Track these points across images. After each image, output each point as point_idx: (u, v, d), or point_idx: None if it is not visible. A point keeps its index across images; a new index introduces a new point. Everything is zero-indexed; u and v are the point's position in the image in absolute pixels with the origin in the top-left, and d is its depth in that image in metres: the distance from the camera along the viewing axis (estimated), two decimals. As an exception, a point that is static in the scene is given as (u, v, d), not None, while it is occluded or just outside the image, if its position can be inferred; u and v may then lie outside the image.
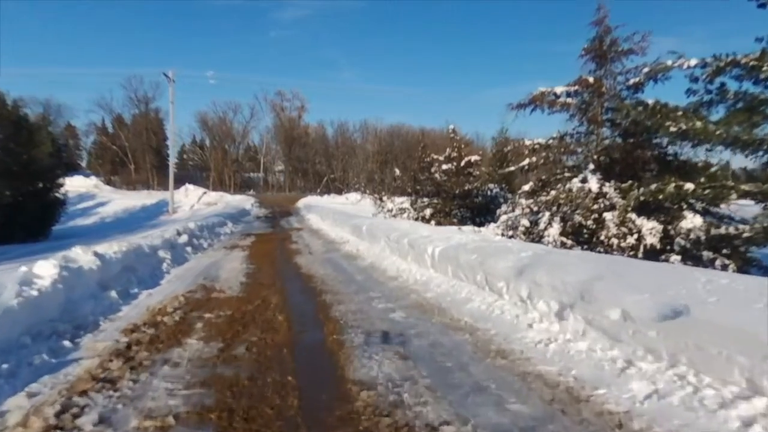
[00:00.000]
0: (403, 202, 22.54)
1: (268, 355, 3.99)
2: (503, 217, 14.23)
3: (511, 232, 12.64)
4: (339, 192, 60.85)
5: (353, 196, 42.17)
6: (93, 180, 53.63)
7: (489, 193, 21.26)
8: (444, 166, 21.63)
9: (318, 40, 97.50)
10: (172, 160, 35.81)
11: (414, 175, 23.17)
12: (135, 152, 56.77)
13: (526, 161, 13.97)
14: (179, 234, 11.01)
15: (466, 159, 21.80)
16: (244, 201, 37.25)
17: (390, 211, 22.02)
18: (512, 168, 14.53)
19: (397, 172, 23.07)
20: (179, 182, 59.69)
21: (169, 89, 35.18)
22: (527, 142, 12.99)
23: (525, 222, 12.13)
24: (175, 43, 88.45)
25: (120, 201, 39.19)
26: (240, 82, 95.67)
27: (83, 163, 64.39)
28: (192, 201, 38.92)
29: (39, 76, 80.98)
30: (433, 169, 21.82)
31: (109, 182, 56.14)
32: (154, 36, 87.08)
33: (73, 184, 51.93)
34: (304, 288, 6.99)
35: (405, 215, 21.37)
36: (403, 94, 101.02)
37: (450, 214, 20.90)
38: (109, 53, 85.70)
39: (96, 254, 6.17)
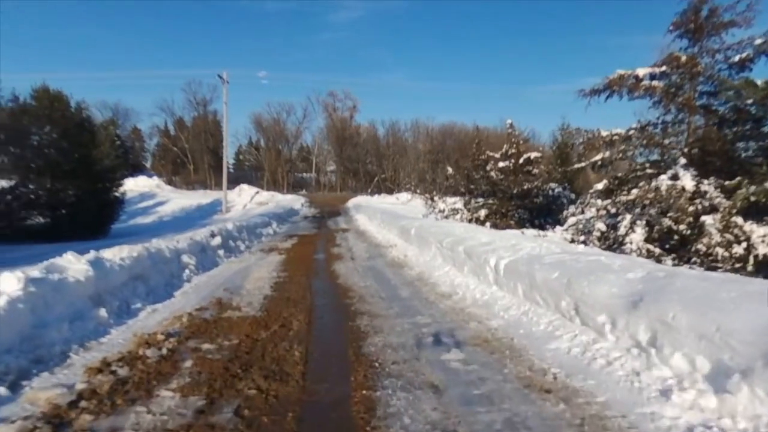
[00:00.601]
0: (456, 202, 20.90)
1: (261, 426, 2.66)
2: (571, 220, 12.38)
3: (582, 237, 10.81)
4: (390, 192, 59.75)
5: (403, 196, 40.83)
6: (155, 180, 55.39)
7: (550, 192, 19.25)
8: (501, 164, 19.80)
9: (369, 41, 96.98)
10: (226, 161, 35.87)
11: (467, 174, 21.49)
12: (194, 153, 58.16)
13: (599, 156, 12.04)
14: (213, 236, 10.04)
15: (525, 156, 19.87)
16: (295, 201, 36.78)
17: (442, 211, 20.47)
18: (583, 164, 12.61)
19: (450, 170, 21.48)
20: (235, 182, 60.69)
21: (223, 90, 35.25)
22: (603, 134, 11.04)
23: (600, 226, 10.26)
24: (231, 47, 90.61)
25: (177, 200, 39.87)
26: (293, 83, 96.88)
27: (148, 164, 66.93)
28: (245, 200, 38.95)
29: (107, 80, 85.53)
30: (488, 167, 20.06)
31: (170, 182, 57.84)
32: (211, 39, 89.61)
33: (138, 184, 53.89)
34: (337, 306, 5.65)
35: (458, 216, 19.75)
36: (454, 92, 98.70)
37: (507, 216, 19.08)
38: (170, 58, 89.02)
39: (90, 262, 5.11)
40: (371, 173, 62.54)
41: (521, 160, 19.87)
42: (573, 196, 20.28)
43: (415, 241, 10.07)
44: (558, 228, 12.71)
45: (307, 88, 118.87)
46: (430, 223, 12.07)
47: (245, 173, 66.08)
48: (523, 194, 18.88)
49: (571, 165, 28.83)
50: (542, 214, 19.23)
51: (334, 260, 9.40)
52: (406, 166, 62.31)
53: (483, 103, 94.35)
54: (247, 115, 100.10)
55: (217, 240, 9.91)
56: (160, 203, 39.43)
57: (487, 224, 17.98)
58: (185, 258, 7.76)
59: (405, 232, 11.33)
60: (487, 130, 66.81)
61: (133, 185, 53.53)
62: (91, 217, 23.63)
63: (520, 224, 18.10)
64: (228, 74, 35.12)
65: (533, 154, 20.12)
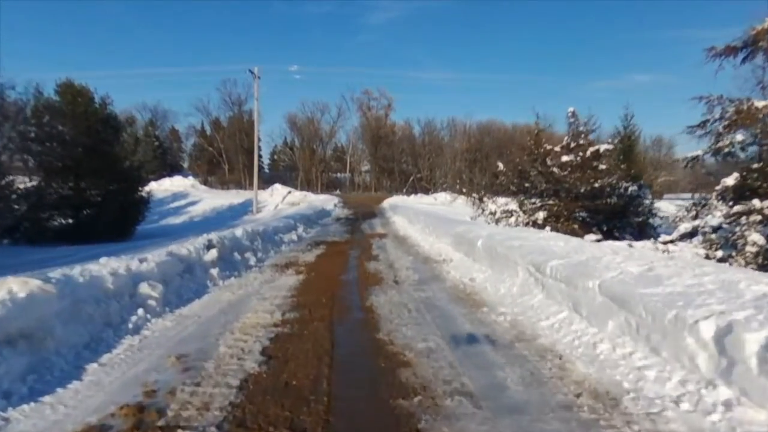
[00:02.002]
0: (507, 203, 17.57)
1: None
2: (683, 227, 8.92)
3: (720, 253, 7.40)
4: (426, 192, 56.55)
5: (442, 196, 37.52)
6: (190, 180, 54.01)
7: (626, 192, 15.68)
8: (564, 158, 16.32)
9: (405, 41, 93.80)
10: (257, 159, 33.52)
11: (521, 170, 18.06)
12: (229, 153, 56.50)
13: (727, 141, 8.52)
14: (208, 247, 7.20)
15: (593, 149, 16.31)
16: (327, 201, 34.11)
17: (492, 214, 17.18)
18: (696, 153, 9.08)
19: (500, 165, 18.13)
20: (269, 182, 58.81)
21: (255, 86, 32.93)
22: (759, 104, 7.49)
23: (757, 238, 6.84)
24: (268, 48, 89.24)
25: (209, 200, 37.90)
26: (327, 82, 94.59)
27: (185, 165, 66.00)
28: (277, 200, 36.60)
29: (147, 76, 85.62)
30: (549, 162, 16.60)
31: (205, 182, 56.46)
32: (248, 41, 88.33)
33: (174, 184, 52.64)
34: (379, 412, 2.62)
35: (512, 219, 16.41)
36: (491, 90, 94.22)
37: (570, 218, 15.63)
38: (208, 60, 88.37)
39: None
40: (406, 173, 59.42)
41: (587, 153, 16.34)
42: (650, 195, 16.67)
43: (484, 257, 6.93)
44: (663, 237, 9.28)
45: (341, 86, 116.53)
46: (499, 231, 8.82)
47: (280, 174, 64.17)
48: (592, 194, 15.37)
49: (635, 161, 24.85)
50: (616, 216, 15.69)
51: (371, 285, 6.34)
52: (442, 166, 58.97)
53: (521, 101, 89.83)
54: (283, 116, 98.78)
55: (213, 254, 7.04)
56: (192, 203, 37.54)
57: (547, 228, 14.70)
58: (144, 288, 4.89)
59: (464, 243, 8.18)
60: (528, 128, 62.64)
61: (169, 185, 52.38)
62: (115, 217, 21.66)
63: (586, 229, 14.67)
64: (259, 69, 32.84)
65: (602, 147, 16.51)
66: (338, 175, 64.86)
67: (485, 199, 17.54)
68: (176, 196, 39.63)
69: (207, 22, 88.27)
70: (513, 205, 16.72)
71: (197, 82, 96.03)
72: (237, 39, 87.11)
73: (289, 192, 38.35)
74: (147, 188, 24.87)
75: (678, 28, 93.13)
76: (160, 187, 50.55)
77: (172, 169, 62.44)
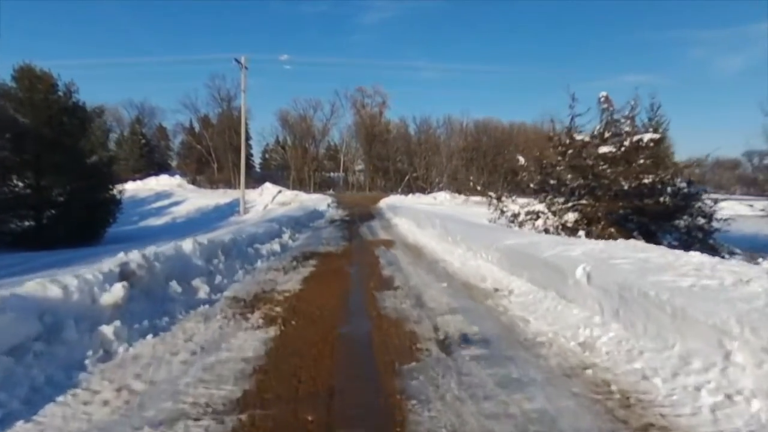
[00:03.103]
0: (529, 203, 14.54)
1: None
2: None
3: None
4: (423, 191, 53.51)
5: (441, 196, 34.47)
6: (177, 179, 50.51)
7: (680, 190, 12.72)
8: (603, 149, 13.31)
9: (399, 40, 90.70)
10: (244, 157, 30.27)
11: (544, 164, 15.02)
12: (218, 151, 52.99)
13: None
14: (120, 277, 4.07)
15: (636, 138, 13.30)
16: (320, 201, 30.97)
17: (515, 216, 14.15)
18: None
19: (521, 159, 15.09)
20: (261, 181, 55.40)
21: (242, 77, 29.72)
22: None
23: None
24: (262, 47, 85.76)
25: (195, 200, 34.51)
26: (321, 80, 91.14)
27: (174, 163, 62.44)
28: (266, 200, 33.35)
29: (134, 70, 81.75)
30: (584, 155, 13.61)
31: (194, 181, 52.95)
32: (242, 39, 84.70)
33: (160, 183, 49.11)
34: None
35: (539, 222, 13.41)
36: (487, 89, 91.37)
37: (607, 222, 12.65)
38: (200, 57, 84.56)
39: None
40: (402, 172, 56.34)
41: (627, 143, 13.33)
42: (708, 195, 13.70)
43: (596, 297, 3.87)
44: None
45: (335, 83, 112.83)
46: (600, 249, 5.63)
47: (271, 173, 60.80)
48: (639, 191, 12.38)
49: (665, 155, 21.88)
50: (661, 218, 12.73)
51: (402, 361, 3.18)
52: (438, 165, 56.01)
53: (516, 100, 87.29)
54: (274, 113, 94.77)
55: (118, 293, 3.89)
56: (176, 203, 34.14)
57: (581, 233, 11.75)
58: None
59: (532, 266, 5.11)
60: (526, 126, 59.75)
61: (154, 184, 48.83)
62: (81, 219, 18.40)
63: (624, 234, 11.70)
64: (246, 59, 29.65)
65: (647, 136, 13.51)
66: (331, 174, 61.51)
67: (504, 198, 14.43)
68: (159, 196, 36.19)
69: (201, 20, 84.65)
70: (538, 206, 13.65)
71: (188, 79, 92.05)
72: (231, 38, 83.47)
73: (280, 191, 35.12)
74: (120, 187, 21.49)
75: (672, 29, 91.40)
76: (145, 186, 47.03)
77: (159, 167, 58.80)
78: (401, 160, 56.79)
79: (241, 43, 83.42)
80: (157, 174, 52.24)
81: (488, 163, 53.95)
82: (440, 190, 48.30)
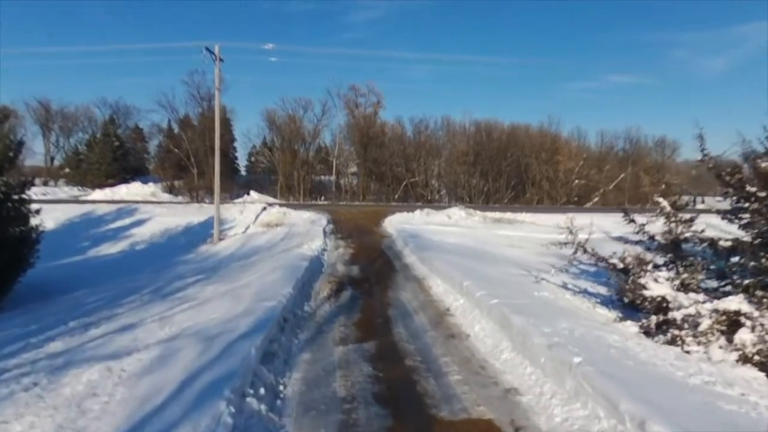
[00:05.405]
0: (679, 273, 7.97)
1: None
2: None
3: None
4: (423, 199, 46.74)
5: (456, 213, 27.88)
6: (151, 187, 42.93)
7: None
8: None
9: (390, 40, 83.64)
10: (217, 165, 23.31)
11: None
12: (198, 155, 45.47)
13: None
14: None
15: None
16: (314, 222, 24.23)
17: (696, 322, 7.51)
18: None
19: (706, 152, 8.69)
20: (246, 187, 47.79)
21: (215, 70, 22.64)
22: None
23: None
24: (249, 46, 77.66)
25: (162, 218, 27.31)
26: (311, 78, 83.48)
27: (151, 167, 54.71)
28: (248, 220, 26.40)
29: (108, 66, 73.15)
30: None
31: (171, 189, 45.39)
32: (225, 39, 76.57)
33: (131, 192, 41.31)
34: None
35: (747, 335, 6.92)
36: (485, 88, 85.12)
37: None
38: (181, 60, 76.42)
39: None
40: (399, 177, 49.62)
41: None
42: None
43: None
44: None
45: (326, 81, 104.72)
46: None
47: (258, 177, 53.48)
48: None
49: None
50: None
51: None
52: (438, 169, 49.47)
53: (516, 101, 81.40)
54: (261, 113, 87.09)
55: None
56: (139, 222, 26.87)
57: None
58: None
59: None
60: (528, 128, 53.51)
61: (124, 193, 41.13)
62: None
63: None
64: (219, 49, 22.56)
65: None
66: (322, 178, 54.46)
67: (647, 276, 7.74)
68: (121, 213, 28.83)
69: (183, 18, 76.18)
70: (737, 302, 6.88)
71: (165, 76, 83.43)
72: (215, 37, 75.31)
73: (264, 208, 28.16)
74: (38, 220, 13.56)
75: (661, 30, 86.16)
76: (114, 195, 39.42)
77: (135, 172, 50.91)
78: (398, 165, 50.10)
79: (226, 42, 75.22)
80: (128, 181, 44.54)
81: (493, 168, 47.56)
82: (448, 201, 41.62)
